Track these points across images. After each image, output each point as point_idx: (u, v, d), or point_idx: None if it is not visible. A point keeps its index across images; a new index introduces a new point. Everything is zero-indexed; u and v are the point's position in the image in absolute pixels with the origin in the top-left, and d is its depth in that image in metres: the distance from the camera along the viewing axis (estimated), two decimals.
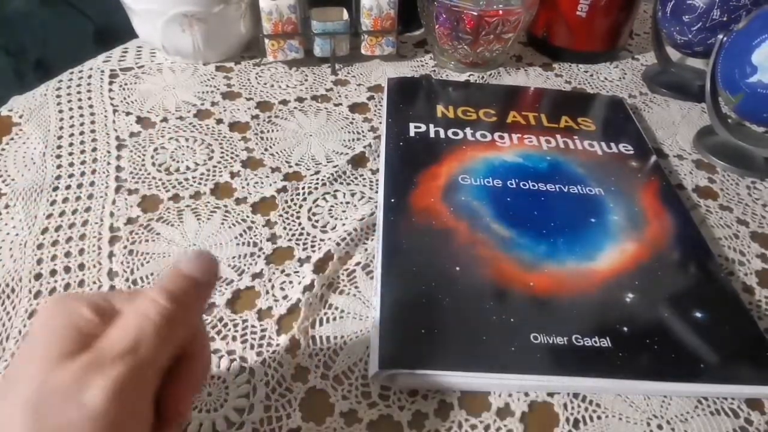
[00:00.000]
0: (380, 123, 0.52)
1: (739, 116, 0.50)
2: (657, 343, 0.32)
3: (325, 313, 0.35)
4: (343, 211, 0.42)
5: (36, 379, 0.19)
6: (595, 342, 0.32)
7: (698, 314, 0.34)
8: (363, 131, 0.51)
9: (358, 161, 0.47)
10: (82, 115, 0.51)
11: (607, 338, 0.32)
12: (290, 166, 0.46)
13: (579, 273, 0.36)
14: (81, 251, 0.38)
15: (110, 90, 0.54)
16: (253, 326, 0.34)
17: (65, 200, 0.42)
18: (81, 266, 0.37)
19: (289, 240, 0.40)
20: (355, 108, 0.54)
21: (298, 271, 0.37)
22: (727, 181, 0.49)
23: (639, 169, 0.46)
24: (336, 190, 0.44)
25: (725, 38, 0.49)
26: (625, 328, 0.32)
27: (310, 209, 0.42)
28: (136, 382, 0.19)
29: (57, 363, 0.19)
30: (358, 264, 0.38)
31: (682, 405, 0.31)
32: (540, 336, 0.31)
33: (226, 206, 0.42)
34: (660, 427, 0.30)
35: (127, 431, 0.19)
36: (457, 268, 0.35)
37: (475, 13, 0.55)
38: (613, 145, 0.48)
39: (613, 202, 0.42)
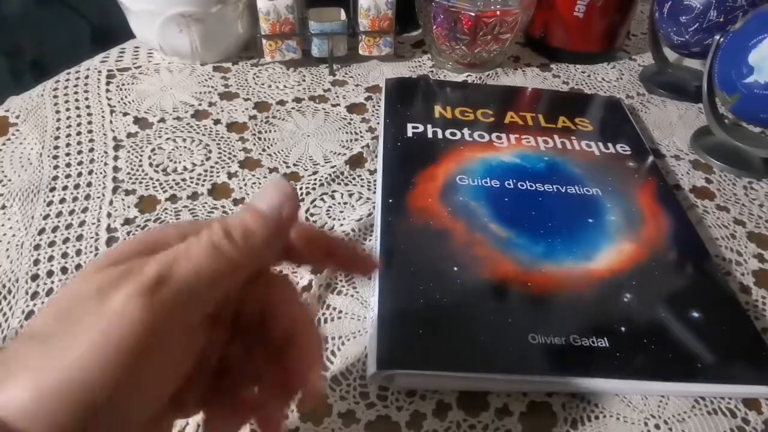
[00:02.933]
0: (378, 123, 0.52)
1: (736, 116, 0.50)
2: (654, 343, 0.32)
3: (323, 314, 0.35)
4: (341, 212, 0.42)
5: (74, 282, 0.18)
6: (593, 342, 0.32)
7: (695, 314, 0.34)
8: (361, 132, 0.51)
9: (355, 162, 0.47)
10: (79, 116, 0.50)
11: (605, 338, 0.32)
12: (288, 167, 0.46)
13: (576, 273, 0.36)
14: (78, 252, 0.38)
15: (107, 90, 0.54)
16: None
17: (62, 201, 0.41)
18: (78, 267, 0.36)
19: None
20: (352, 108, 0.54)
21: (295, 272, 0.37)
22: (724, 181, 0.49)
23: (636, 170, 0.46)
24: (334, 191, 0.44)
25: (722, 39, 0.49)
26: (623, 328, 0.32)
27: (307, 210, 0.42)
28: (176, 300, 0.17)
29: (100, 269, 0.18)
30: None
31: (680, 405, 0.31)
32: (538, 336, 0.32)
33: (223, 207, 0.42)
34: (657, 426, 0.30)
35: (156, 352, 0.17)
36: (455, 269, 0.35)
37: (473, 14, 0.55)
38: (610, 145, 0.48)
39: (610, 202, 0.42)
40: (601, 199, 0.42)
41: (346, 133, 0.51)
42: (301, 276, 0.36)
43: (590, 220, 0.40)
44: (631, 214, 0.41)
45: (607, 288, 0.35)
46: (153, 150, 0.47)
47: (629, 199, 0.42)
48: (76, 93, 0.53)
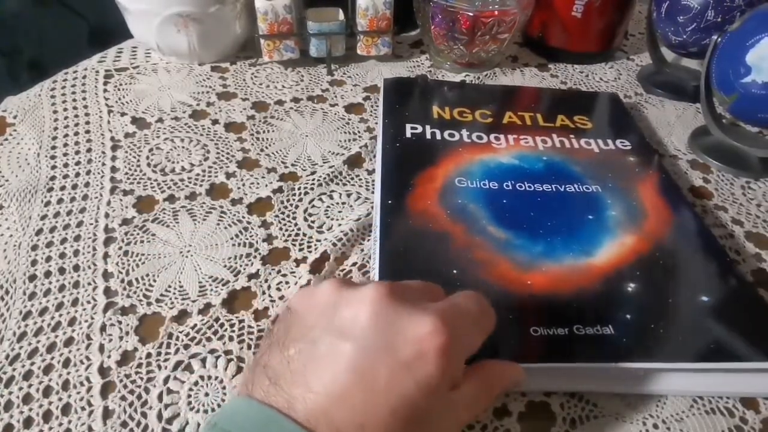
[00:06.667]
0: (376, 123, 0.52)
1: (734, 116, 0.50)
2: (663, 327, 0.32)
3: None
4: (339, 212, 0.42)
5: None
6: (597, 330, 0.31)
7: (704, 298, 0.34)
8: (359, 132, 0.51)
9: (354, 162, 0.47)
10: (76, 116, 0.50)
11: (610, 326, 0.32)
12: (286, 167, 0.46)
13: (577, 269, 0.36)
14: (76, 252, 0.37)
15: (105, 90, 0.54)
16: (249, 326, 0.33)
17: (60, 201, 0.41)
18: (76, 267, 0.36)
19: (285, 240, 0.39)
20: (351, 108, 0.54)
21: (294, 272, 0.37)
22: (722, 181, 0.49)
23: (637, 164, 0.46)
24: (332, 191, 0.44)
25: (719, 39, 0.49)
26: (628, 316, 0.32)
27: (306, 210, 0.42)
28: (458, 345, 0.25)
29: None
30: (354, 264, 0.38)
31: (678, 404, 0.31)
32: (540, 329, 0.31)
33: (221, 207, 0.42)
34: (656, 426, 0.30)
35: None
36: (455, 272, 0.35)
37: (471, 14, 0.55)
38: (609, 141, 0.48)
39: (610, 198, 0.41)
40: (601, 196, 0.42)
41: (345, 133, 0.51)
42: (300, 275, 0.36)
43: (590, 217, 0.40)
44: (632, 208, 0.41)
45: (609, 280, 0.35)
46: (151, 150, 0.47)
47: (630, 193, 0.42)
48: (73, 93, 0.53)
